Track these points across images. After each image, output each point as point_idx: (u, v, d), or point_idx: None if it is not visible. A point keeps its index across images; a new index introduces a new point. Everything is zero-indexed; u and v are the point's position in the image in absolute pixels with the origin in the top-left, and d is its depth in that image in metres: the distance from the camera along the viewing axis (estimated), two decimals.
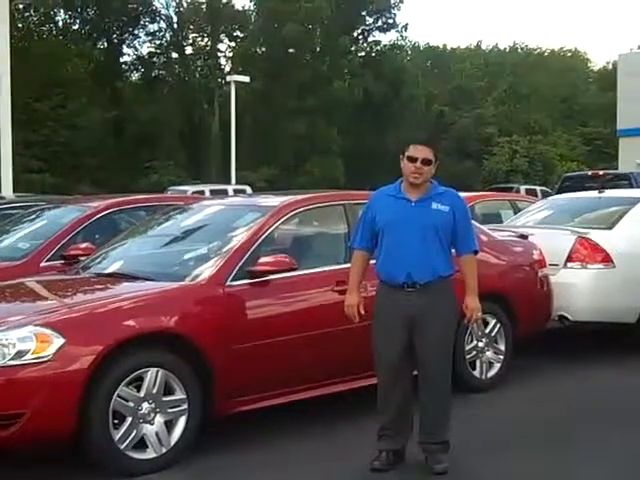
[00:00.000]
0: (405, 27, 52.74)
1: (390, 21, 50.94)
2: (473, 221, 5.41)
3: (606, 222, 8.13)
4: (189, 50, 50.38)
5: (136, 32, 48.34)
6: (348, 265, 5.14)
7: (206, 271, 5.28)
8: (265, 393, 5.29)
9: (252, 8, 50.76)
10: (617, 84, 37.62)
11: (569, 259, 7.59)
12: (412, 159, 4.67)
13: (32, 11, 44.34)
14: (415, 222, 4.66)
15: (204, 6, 49.26)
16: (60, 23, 46.46)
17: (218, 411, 5.08)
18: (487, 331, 6.55)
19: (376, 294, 4.86)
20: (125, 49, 49.03)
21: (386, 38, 54.49)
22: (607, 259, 7.54)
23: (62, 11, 46.27)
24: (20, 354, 4.42)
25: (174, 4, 48.79)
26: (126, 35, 48.28)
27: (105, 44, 47.76)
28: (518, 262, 7.13)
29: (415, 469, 4.76)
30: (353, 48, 50.60)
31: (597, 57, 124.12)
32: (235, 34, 51.15)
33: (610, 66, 58.35)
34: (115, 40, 48.03)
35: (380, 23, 51.11)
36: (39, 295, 5.58)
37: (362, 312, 4.81)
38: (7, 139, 16.77)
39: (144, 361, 4.72)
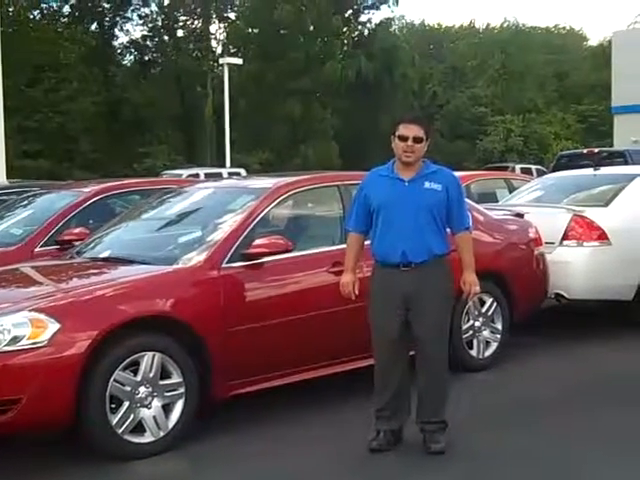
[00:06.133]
0: (396, 1, 51.69)
1: None
2: (468, 200, 5.39)
3: (602, 200, 8.11)
4: (180, 33, 49.98)
5: (128, 15, 47.94)
6: (344, 246, 5.12)
7: (201, 254, 5.26)
8: (262, 375, 5.28)
9: None
10: (612, 61, 37.52)
11: (565, 237, 7.58)
12: (403, 138, 4.65)
13: None
14: (409, 202, 4.65)
15: None
16: (50, 7, 45.99)
17: (215, 394, 5.07)
18: (484, 310, 6.55)
19: (372, 274, 4.84)
20: (117, 32, 48.65)
21: (378, 16, 53.55)
22: (603, 237, 7.53)
23: None
24: (15, 340, 4.41)
25: None
26: (118, 19, 47.85)
27: (97, 27, 47.26)
28: (514, 241, 7.12)
29: (413, 449, 4.76)
30: (345, 29, 50.24)
31: (592, 35, 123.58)
32: (226, 15, 50.77)
33: (605, 43, 58.12)
34: (107, 23, 47.58)
35: (370, 1, 50.63)
36: (34, 281, 5.56)
37: (356, 292, 4.81)
38: None
39: (140, 345, 4.71)
